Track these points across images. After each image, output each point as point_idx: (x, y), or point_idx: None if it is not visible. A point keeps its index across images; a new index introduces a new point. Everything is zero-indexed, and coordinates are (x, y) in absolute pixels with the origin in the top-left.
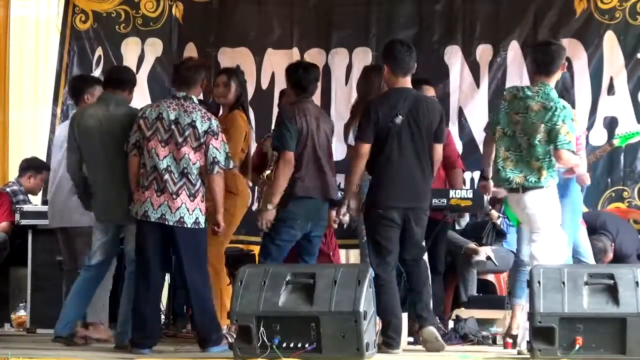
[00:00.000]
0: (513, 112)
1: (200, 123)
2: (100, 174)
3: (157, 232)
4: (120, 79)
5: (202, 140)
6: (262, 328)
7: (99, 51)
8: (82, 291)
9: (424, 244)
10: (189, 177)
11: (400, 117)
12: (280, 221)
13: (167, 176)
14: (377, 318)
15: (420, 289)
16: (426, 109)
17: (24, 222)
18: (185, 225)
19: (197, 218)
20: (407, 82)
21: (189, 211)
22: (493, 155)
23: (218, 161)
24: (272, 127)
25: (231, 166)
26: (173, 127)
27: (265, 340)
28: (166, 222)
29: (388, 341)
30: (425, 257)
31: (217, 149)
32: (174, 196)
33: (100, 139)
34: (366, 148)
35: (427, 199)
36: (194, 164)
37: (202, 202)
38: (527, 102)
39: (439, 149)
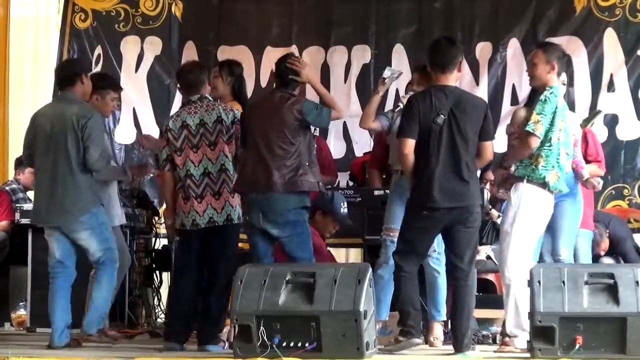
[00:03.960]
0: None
1: (225, 116)
2: (46, 176)
3: (203, 237)
4: (64, 76)
5: (232, 131)
6: (262, 327)
7: (98, 50)
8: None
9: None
10: (227, 173)
11: (442, 116)
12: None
13: (206, 180)
14: (384, 318)
15: (460, 310)
16: (470, 107)
17: (23, 221)
18: (233, 222)
19: (239, 212)
20: (450, 79)
21: (233, 207)
22: None
23: None
24: None
25: None
26: (201, 129)
27: (266, 339)
28: (215, 224)
29: (408, 330)
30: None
31: None
32: (217, 197)
33: (49, 141)
34: (411, 144)
35: (469, 199)
36: (230, 158)
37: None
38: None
39: (487, 146)
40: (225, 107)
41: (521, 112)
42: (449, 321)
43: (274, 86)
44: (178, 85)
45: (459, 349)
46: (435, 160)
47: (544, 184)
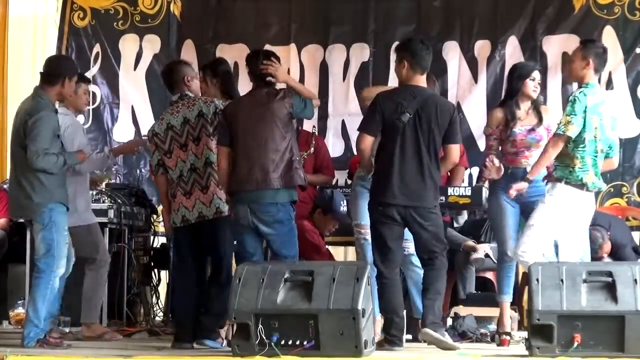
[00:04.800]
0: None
1: (206, 108)
2: (12, 172)
3: (195, 233)
4: (47, 73)
5: (214, 123)
6: (260, 325)
7: (96, 48)
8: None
9: (438, 242)
10: (213, 166)
11: (407, 114)
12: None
13: (194, 175)
14: (379, 315)
15: (427, 287)
16: (436, 110)
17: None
18: (224, 215)
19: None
20: (422, 80)
21: (222, 199)
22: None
23: None
24: None
25: None
26: (186, 127)
27: (264, 337)
28: (205, 218)
29: (391, 339)
30: None
31: None
32: (204, 190)
33: (13, 137)
34: (369, 140)
35: (427, 199)
36: (215, 152)
37: None
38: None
39: (453, 149)
40: (206, 100)
41: (498, 112)
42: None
43: (254, 85)
44: None
45: (423, 326)
46: (396, 158)
47: (582, 185)
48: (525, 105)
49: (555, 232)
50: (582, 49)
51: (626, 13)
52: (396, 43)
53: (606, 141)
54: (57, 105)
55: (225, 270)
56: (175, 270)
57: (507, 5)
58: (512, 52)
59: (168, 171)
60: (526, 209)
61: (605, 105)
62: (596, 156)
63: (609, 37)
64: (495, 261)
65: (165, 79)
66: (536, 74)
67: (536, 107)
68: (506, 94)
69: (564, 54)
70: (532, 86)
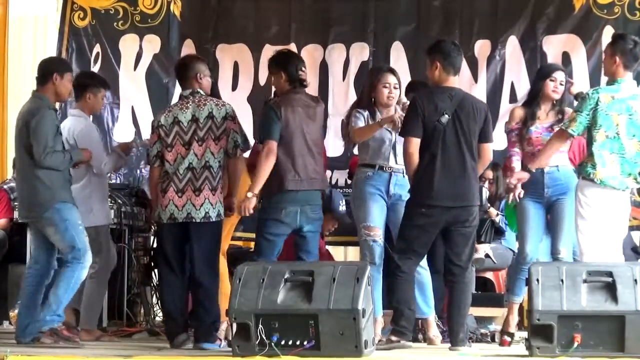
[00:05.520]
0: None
1: (217, 111)
2: (17, 174)
3: (180, 231)
4: (39, 75)
5: (222, 127)
6: (260, 326)
7: (97, 48)
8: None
9: (471, 251)
10: (211, 170)
11: (447, 116)
12: (266, 214)
13: (189, 175)
14: (379, 316)
15: (457, 306)
16: (472, 109)
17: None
18: (211, 220)
19: (219, 211)
20: (455, 81)
21: (212, 205)
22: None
23: (239, 144)
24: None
25: (251, 145)
26: (193, 125)
27: (264, 337)
28: (193, 220)
29: (400, 330)
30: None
31: (236, 132)
32: (197, 193)
33: (16, 139)
34: (416, 143)
35: (470, 199)
36: (216, 156)
37: (221, 194)
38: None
39: (487, 148)
40: (218, 103)
41: (518, 110)
42: (447, 317)
43: (294, 86)
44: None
45: (454, 343)
46: (439, 159)
47: (592, 180)
48: (547, 106)
49: (597, 227)
50: (610, 46)
51: (626, 13)
52: (396, 43)
53: None
54: (72, 108)
55: (211, 273)
56: (160, 266)
57: (507, 4)
58: (512, 51)
59: (165, 164)
60: (551, 207)
61: (637, 100)
62: (624, 154)
63: (609, 37)
64: (495, 261)
65: (178, 72)
66: (558, 75)
67: (561, 110)
68: (529, 94)
69: (565, 54)
70: (552, 86)
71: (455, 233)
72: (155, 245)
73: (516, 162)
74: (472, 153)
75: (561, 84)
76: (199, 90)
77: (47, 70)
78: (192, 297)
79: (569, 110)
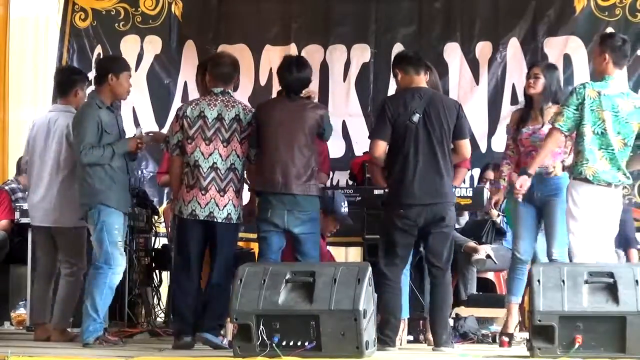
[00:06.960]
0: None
1: (243, 115)
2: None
3: (201, 229)
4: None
5: (246, 132)
6: (261, 326)
7: (98, 49)
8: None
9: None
10: (236, 172)
11: (418, 114)
12: (258, 214)
13: (213, 174)
14: (405, 317)
15: (439, 307)
16: (443, 107)
17: (23, 220)
18: (232, 222)
19: (239, 214)
20: (422, 81)
21: (235, 207)
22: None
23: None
24: None
25: None
26: (217, 123)
27: (265, 338)
28: (214, 220)
29: (384, 339)
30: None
31: None
32: (222, 193)
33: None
34: (383, 146)
35: (445, 196)
36: (241, 159)
37: (241, 196)
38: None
39: (463, 144)
40: (245, 107)
41: (515, 112)
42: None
43: (284, 93)
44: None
45: (438, 344)
46: (412, 159)
47: (586, 179)
48: (538, 106)
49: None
50: (599, 44)
51: (627, 15)
52: (397, 44)
53: (628, 134)
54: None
55: (226, 273)
56: (176, 262)
57: (508, 6)
58: (514, 53)
59: (183, 155)
60: (543, 207)
61: (624, 98)
62: (613, 150)
63: None
64: (496, 262)
65: (218, 70)
66: (532, 70)
67: (541, 108)
68: (526, 97)
69: (566, 56)
70: (526, 84)
71: (433, 234)
72: (155, 245)
73: (505, 166)
74: (444, 151)
75: (536, 77)
76: (229, 91)
77: (103, 70)
78: (206, 294)
79: (552, 108)
